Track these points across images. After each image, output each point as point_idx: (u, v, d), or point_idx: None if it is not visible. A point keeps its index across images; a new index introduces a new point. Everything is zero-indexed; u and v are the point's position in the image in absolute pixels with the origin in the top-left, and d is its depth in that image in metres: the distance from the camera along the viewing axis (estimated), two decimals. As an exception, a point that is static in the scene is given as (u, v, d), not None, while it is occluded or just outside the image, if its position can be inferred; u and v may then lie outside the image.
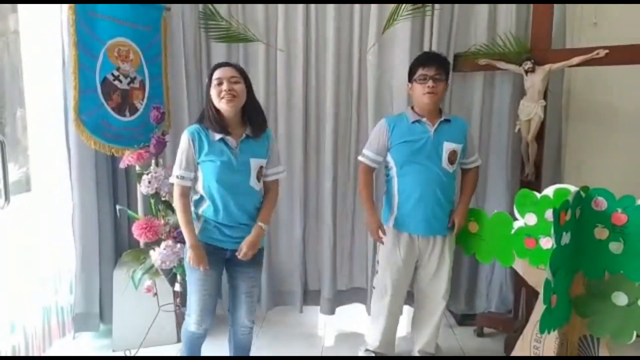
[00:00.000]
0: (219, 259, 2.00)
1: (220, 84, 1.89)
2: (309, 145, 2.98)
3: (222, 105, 1.89)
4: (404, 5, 2.72)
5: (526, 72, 2.54)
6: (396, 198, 2.29)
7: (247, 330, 2.10)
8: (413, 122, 2.24)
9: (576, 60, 2.49)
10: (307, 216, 3.05)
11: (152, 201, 2.53)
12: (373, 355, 2.50)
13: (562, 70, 2.74)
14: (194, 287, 1.99)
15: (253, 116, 1.99)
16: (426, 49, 2.82)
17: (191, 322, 2.02)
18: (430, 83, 2.15)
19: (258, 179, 1.99)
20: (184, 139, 1.95)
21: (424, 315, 2.44)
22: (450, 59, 2.82)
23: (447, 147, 2.21)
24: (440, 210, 2.25)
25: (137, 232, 2.46)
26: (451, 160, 2.23)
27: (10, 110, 2.43)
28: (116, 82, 2.52)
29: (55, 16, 2.52)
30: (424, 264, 2.36)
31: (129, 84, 2.57)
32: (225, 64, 1.97)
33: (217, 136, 1.92)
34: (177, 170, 1.95)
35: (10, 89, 2.43)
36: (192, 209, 2.01)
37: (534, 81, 2.53)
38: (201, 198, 1.98)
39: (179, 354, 2.19)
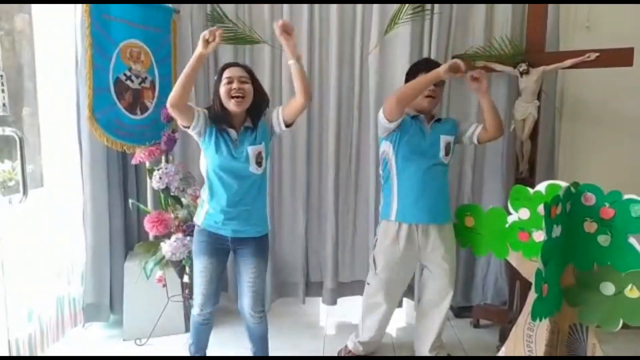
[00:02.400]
0: (221, 247, 2.08)
1: (230, 82, 1.95)
2: (312, 142, 3.08)
3: (230, 105, 1.96)
4: (405, 6, 2.81)
5: (521, 73, 2.64)
6: (396, 191, 2.33)
7: (256, 319, 2.13)
8: (411, 118, 2.32)
9: (568, 62, 2.59)
10: (310, 210, 3.14)
11: (162, 196, 2.63)
12: (360, 346, 2.56)
13: (556, 72, 2.83)
14: (197, 272, 2.09)
15: (256, 112, 2.05)
16: (426, 51, 2.92)
17: (195, 306, 2.12)
18: (431, 87, 2.22)
19: (259, 164, 2.04)
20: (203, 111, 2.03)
21: (427, 310, 2.46)
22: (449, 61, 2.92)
23: (444, 139, 2.32)
24: (440, 199, 2.33)
25: (149, 225, 2.55)
26: (447, 152, 2.33)
27: (22, 107, 2.51)
28: (128, 82, 2.62)
29: (68, 18, 2.60)
30: (426, 259, 2.37)
31: (140, 83, 2.67)
32: (235, 64, 2.05)
33: (221, 126, 2.01)
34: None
35: (24, 87, 2.51)
36: (200, 194, 2.14)
37: (529, 82, 2.63)
38: (206, 183, 2.08)
39: (187, 343, 2.27)
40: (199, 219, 2.10)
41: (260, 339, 2.22)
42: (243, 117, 2.05)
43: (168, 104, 1.90)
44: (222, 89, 1.96)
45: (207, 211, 2.07)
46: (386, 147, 2.36)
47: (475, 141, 2.38)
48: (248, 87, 1.98)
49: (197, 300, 2.10)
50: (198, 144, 2.09)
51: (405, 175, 2.31)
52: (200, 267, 2.07)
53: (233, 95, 1.94)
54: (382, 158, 2.41)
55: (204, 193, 2.10)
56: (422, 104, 2.29)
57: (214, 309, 2.15)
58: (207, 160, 2.05)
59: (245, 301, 2.10)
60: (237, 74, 1.98)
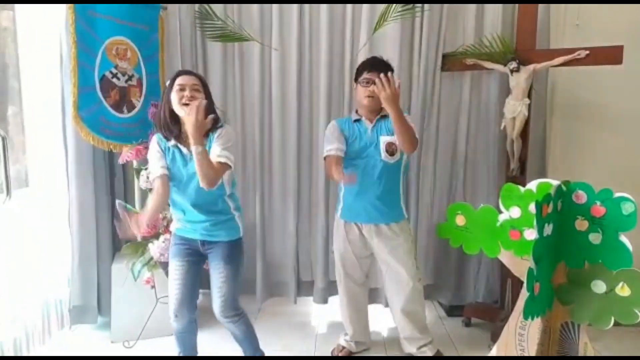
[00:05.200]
0: (193, 250, 2.06)
1: (182, 89, 1.91)
2: (302, 140, 3.06)
3: (181, 112, 1.91)
4: (393, 5, 2.80)
5: (511, 71, 2.64)
6: (342, 191, 2.45)
7: (230, 322, 2.08)
8: (354, 122, 2.40)
9: (558, 60, 2.59)
10: (300, 209, 3.12)
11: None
12: (352, 344, 2.61)
13: (547, 70, 2.83)
14: (170, 277, 2.07)
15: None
16: (416, 49, 2.92)
17: (170, 313, 2.07)
18: (372, 87, 2.24)
19: None
20: (154, 143, 2.01)
21: (393, 305, 2.54)
22: (439, 59, 2.92)
23: (383, 140, 2.33)
24: (379, 200, 2.36)
25: (136, 226, 2.50)
26: (390, 152, 2.33)
27: (7, 106, 2.46)
28: (114, 80, 2.57)
29: (52, 14, 2.55)
30: (375, 254, 2.48)
31: (126, 81, 2.62)
32: (189, 72, 2.01)
33: (172, 142, 1.98)
34: (156, 169, 1.98)
35: (9, 85, 2.46)
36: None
37: (519, 80, 2.63)
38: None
39: (176, 352, 2.23)
40: (172, 225, 2.12)
41: (243, 340, 2.19)
42: None
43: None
44: (174, 96, 1.92)
45: (176, 223, 2.10)
46: None
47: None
48: (200, 95, 1.94)
49: (170, 306, 2.06)
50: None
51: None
52: (171, 271, 2.06)
53: (184, 102, 1.89)
54: None
55: (170, 209, 2.13)
56: (362, 103, 2.36)
57: (192, 317, 2.10)
58: None
59: (215, 307, 2.06)
60: (190, 81, 1.94)
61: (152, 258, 2.49)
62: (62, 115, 2.64)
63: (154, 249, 2.44)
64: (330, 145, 2.35)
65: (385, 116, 2.35)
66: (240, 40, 2.92)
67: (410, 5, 2.82)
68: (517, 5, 2.78)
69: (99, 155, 2.74)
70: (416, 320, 2.51)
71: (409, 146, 2.24)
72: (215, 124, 1.98)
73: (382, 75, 2.09)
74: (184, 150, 1.98)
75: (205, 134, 1.92)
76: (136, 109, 2.69)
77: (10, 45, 2.48)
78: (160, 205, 2.01)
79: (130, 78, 2.64)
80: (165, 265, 2.53)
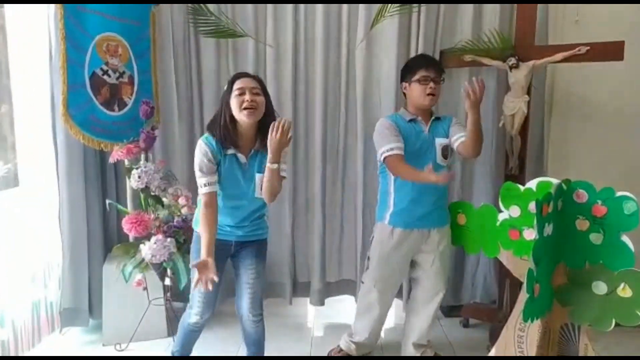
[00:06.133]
0: (224, 252, 2.01)
1: (242, 94, 1.84)
2: (298, 139, 3.01)
3: (242, 116, 1.85)
4: (388, 5, 2.75)
5: (510, 68, 2.60)
6: (392, 195, 2.30)
7: (254, 321, 2.08)
8: (409, 121, 2.29)
9: (559, 56, 2.55)
10: (296, 209, 3.08)
11: (142, 195, 2.54)
12: (354, 347, 2.52)
13: (546, 66, 2.79)
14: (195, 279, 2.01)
15: (265, 131, 1.86)
16: (413, 45, 2.87)
17: (192, 314, 2.03)
18: (432, 84, 2.20)
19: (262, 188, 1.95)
20: (202, 146, 1.90)
21: (419, 308, 2.45)
22: (437, 56, 2.87)
23: (439, 142, 2.27)
24: (435, 205, 2.28)
25: (127, 226, 2.47)
26: (444, 155, 2.27)
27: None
28: (105, 77, 2.52)
29: (42, 10, 2.50)
30: (420, 258, 2.37)
31: (117, 78, 2.57)
32: (247, 75, 1.94)
33: (230, 151, 1.90)
34: (202, 179, 1.89)
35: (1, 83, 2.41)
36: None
37: (518, 77, 2.58)
38: None
39: (169, 348, 2.19)
40: (196, 225, 2.01)
41: (256, 342, 2.16)
42: (252, 137, 1.93)
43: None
44: (234, 101, 1.85)
45: None
46: None
47: (455, 148, 2.30)
48: (260, 99, 1.88)
49: (196, 309, 2.01)
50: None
51: (401, 179, 2.26)
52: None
53: (245, 107, 1.83)
54: (380, 160, 2.33)
55: None
56: (423, 102, 2.25)
57: (213, 314, 2.09)
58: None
59: (244, 302, 2.05)
60: (250, 84, 1.87)
61: (143, 259, 2.44)
62: (52, 114, 2.59)
63: (146, 250, 2.39)
64: (391, 144, 2.19)
65: (439, 118, 2.32)
66: (234, 37, 2.86)
67: (407, 5, 2.77)
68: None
69: (89, 154, 2.69)
70: (429, 327, 2.45)
71: (478, 152, 2.20)
72: None
73: (475, 79, 2.07)
74: (242, 158, 1.92)
75: (267, 137, 1.84)
76: (127, 107, 2.63)
77: (0, 41, 2.42)
78: (215, 223, 1.90)
79: (121, 75, 2.58)
80: (157, 267, 2.49)
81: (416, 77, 2.24)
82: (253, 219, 2.03)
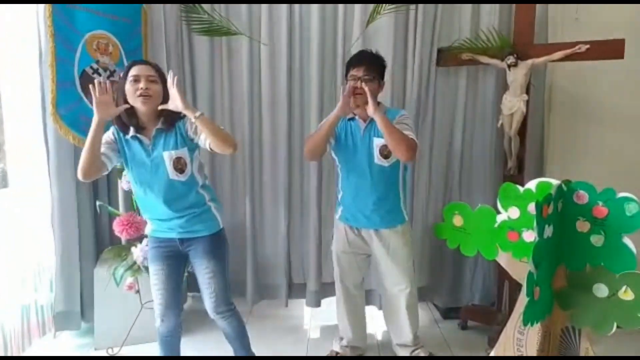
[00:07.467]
0: (172, 251, 1.99)
1: (137, 81, 1.83)
2: (293, 138, 2.97)
3: (137, 104, 1.84)
4: (384, 5, 2.70)
5: (509, 66, 2.56)
6: (341, 192, 2.38)
7: (223, 318, 2.04)
8: (349, 120, 2.27)
9: (558, 55, 2.51)
10: (292, 210, 3.04)
11: (134, 197, 2.49)
12: (348, 349, 2.53)
13: (545, 65, 2.76)
14: (152, 281, 2.00)
15: (168, 113, 1.87)
16: (410, 43, 2.83)
17: (156, 317, 2.02)
18: (358, 84, 2.13)
19: (180, 170, 1.90)
20: (109, 133, 1.91)
21: (390, 309, 2.47)
22: (434, 54, 2.83)
23: (377, 142, 2.21)
24: (377, 205, 2.27)
25: (119, 228, 2.42)
26: (384, 155, 2.21)
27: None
28: (95, 76, 2.46)
29: (31, 7, 2.45)
30: (374, 260, 2.41)
31: (108, 77, 2.51)
32: (143, 62, 1.92)
33: (131, 133, 1.88)
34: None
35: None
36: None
37: (517, 76, 2.55)
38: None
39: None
40: (147, 228, 2.03)
41: (235, 338, 2.12)
42: (154, 119, 1.90)
43: (80, 178, 1.85)
44: (129, 88, 1.83)
45: (150, 225, 2.02)
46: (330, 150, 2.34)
47: None
48: (156, 87, 1.86)
49: (156, 311, 2.01)
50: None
51: (344, 178, 2.32)
52: (152, 276, 1.99)
53: (140, 94, 1.82)
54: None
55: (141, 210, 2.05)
56: (354, 102, 2.17)
57: (179, 320, 2.05)
58: (129, 179, 1.97)
59: (207, 304, 2.03)
60: (145, 72, 1.85)
61: (135, 262, 2.39)
62: (42, 113, 2.54)
63: (137, 252, 2.34)
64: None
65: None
66: (227, 35, 2.82)
67: (402, 5, 2.74)
68: (514, 0, 2.70)
69: (80, 155, 2.62)
70: (411, 325, 2.43)
71: (402, 154, 2.08)
72: (179, 114, 1.87)
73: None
74: (145, 140, 1.89)
75: (171, 123, 1.88)
76: (119, 106, 2.58)
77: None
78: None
79: (112, 74, 2.53)
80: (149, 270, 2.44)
81: (347, 75, 2.21)
82: (188, 212, 1.94)
